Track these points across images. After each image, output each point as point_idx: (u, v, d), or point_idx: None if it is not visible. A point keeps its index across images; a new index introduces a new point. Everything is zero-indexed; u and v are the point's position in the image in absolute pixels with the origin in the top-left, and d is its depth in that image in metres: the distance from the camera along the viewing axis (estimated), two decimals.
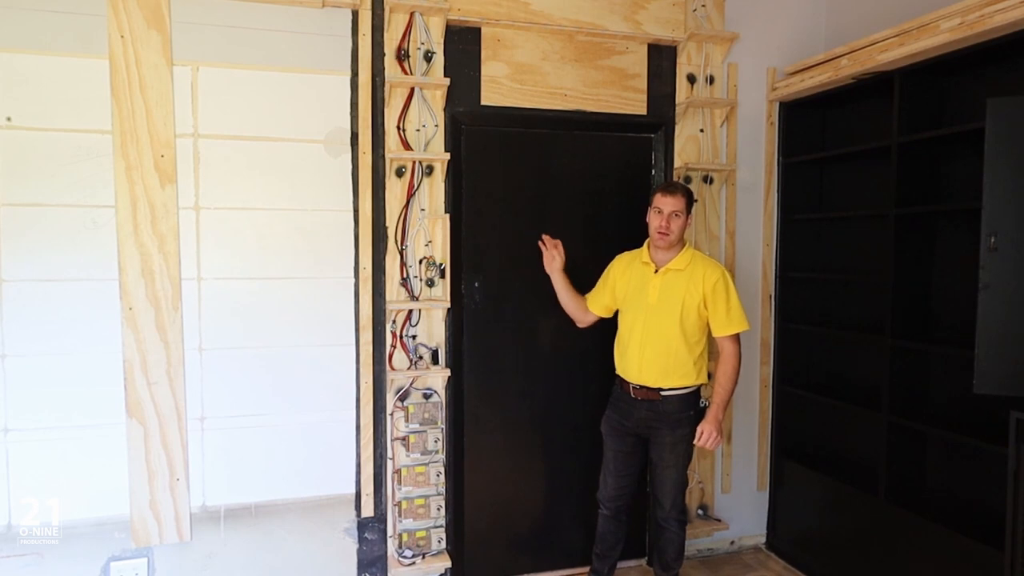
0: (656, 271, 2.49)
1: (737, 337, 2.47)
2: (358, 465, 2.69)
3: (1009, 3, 2.09)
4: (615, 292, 2.62)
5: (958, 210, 2.44)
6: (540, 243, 2.74)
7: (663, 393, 2.45)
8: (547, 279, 2.72)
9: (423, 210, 2.71)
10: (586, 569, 2.81)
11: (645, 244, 2.59)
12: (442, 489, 2.76)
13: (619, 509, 2.65)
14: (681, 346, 2.42)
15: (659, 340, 2.45)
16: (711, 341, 2.53)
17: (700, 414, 2.53)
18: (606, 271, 2.68)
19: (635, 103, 2.98)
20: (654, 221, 2.47)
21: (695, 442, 2.45)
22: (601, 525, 2.69)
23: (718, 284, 2.43)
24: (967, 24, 2.23)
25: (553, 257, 2.70)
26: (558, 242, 2.72)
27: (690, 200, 2.47)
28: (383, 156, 2.64)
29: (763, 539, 3.37)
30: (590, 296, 2.71)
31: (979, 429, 2.34)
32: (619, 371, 2.59)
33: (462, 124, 2.79)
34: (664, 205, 2.43)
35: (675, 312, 2.43)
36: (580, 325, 2.76)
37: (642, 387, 2.48)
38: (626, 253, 2.66)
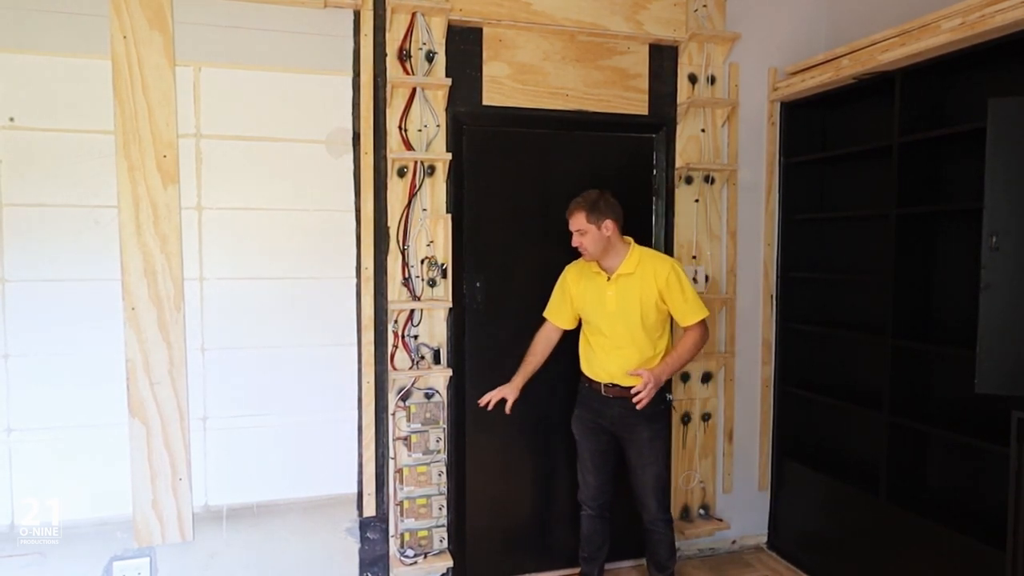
0: (608, 279, 2.48)
1: (703, 323, 2.47)
2: (360, 465, 2.70)
3: (1010, 3, 2.09)
4: (574, 303, 2.60)
5: (959, 210, 2.44)
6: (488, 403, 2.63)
7: (634, 389, 2.44)
8: (547, 278, 2.71)
9: (425, 210, 2.71)
10: None
11: None
12: (444, 489, 2.76)
13: (603, 506, 2.66)
14: (646, 344, 2.45)
15: (624, 345, 2.46)
16: (673, 331, 2.56)
17: (669, 406, 2.61)
18: (559, 283, 2.65)
19: (636, 103, 2.98)
20: (573, 241, 2.47)
21: (635, 389, 2.35)
22: (586, 526, 2.69)
23: (670, 277, 2.43)
24: (968, 24, 2.23)
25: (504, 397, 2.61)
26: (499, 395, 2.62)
27: (592, 211, 2.40)
28: (385, 156, 2.65)
29: (764, 539, 3.37)
30: (550, 311, 2.66)
31: (980, 429, 2.34)
32: (586, 372, 2.59)
33: (464, 124, 2.79)
34: (570, 226, 2.45)
35: (635, 316, 2.44)
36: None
37: (614, 385, 2.49)
38: (576, 263, 2.62)
